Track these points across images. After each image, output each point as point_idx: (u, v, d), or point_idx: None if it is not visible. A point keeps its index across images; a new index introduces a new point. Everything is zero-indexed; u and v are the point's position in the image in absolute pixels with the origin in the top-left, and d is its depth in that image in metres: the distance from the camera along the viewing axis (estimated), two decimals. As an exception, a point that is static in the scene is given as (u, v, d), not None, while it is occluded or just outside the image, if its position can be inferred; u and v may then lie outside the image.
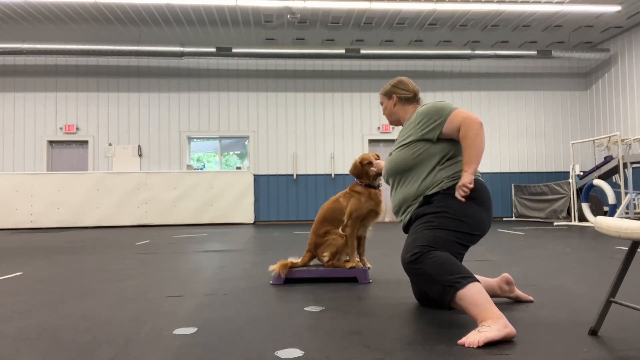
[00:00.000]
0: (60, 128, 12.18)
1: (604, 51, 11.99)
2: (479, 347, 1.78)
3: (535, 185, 11.56)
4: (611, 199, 8.27)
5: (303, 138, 12.61)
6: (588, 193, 8.87)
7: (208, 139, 13.03)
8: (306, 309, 2.49)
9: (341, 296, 2.79)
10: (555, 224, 9.72)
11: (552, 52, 11.88)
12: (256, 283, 3.28)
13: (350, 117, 12.70)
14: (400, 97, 2.63)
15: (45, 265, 4.40)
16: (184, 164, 12.35)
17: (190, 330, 2.12)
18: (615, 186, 9.92)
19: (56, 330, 2.15)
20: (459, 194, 2.24)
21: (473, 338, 1.82)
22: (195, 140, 12.98)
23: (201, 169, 13.32)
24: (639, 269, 3.49)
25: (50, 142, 12.24)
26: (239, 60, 11.92)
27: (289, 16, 10.00)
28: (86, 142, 12.28)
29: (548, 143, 13.11)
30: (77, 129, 12.22)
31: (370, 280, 3.25)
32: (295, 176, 12.44)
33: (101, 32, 11.21)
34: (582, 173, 10.41)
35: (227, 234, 8.33)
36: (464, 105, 12.91)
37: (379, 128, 12.70)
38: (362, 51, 11.55)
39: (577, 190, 9.72)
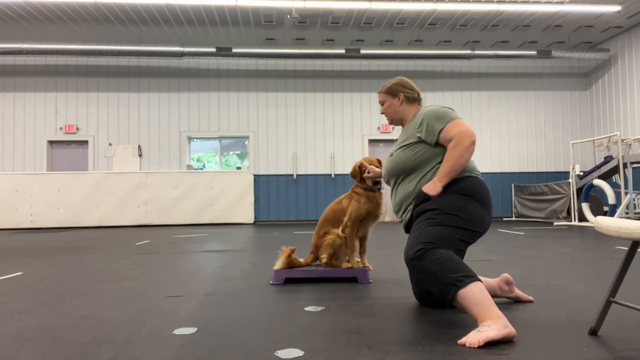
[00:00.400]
0: (60, 128, 12.18)
1: (604, 51, 12.00)
2: (479, 347, 1.78)
3: (535, 185, 11.56)
4: (611, 199, 8.26)
5: (303, 138, 12.61)
6: (588, 193, 8.87)
7: (208, 139, 13.03)
8: (306, 309, 2.49)
9: (341, 296, 2.79)
10: (555, 224, 9.72)
11: (552, 52, 11.88)
12: (256, 283, 3.28)
13: (350, 117, 12.70)
14: (407, 97, 2.63)
15: (45, 265, 4.40)
16: (184, 164, 12.35)
17: (190, 330, 2.12)
18: (615, 186, 9.92)
19: (56, 330, 2.15)
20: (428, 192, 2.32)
21: (473, 338, 1.82)
22: (195, 140, 12.98)
23: (201, 169, 13.32)
24: (639, 269, 3.49)
25: (50, 142, 12.24)
26: (239, 60, 11.92)
27: (288, 16, 10.00)
28: (86, 142, 12.28)
29: (548, 143, 13.11)
30: (77, 129, 12.22)
31: (370, 281, 3.25)
32: (295, 176, 12.44)
33: (101, 32, 11.21)
34: (582, 173, 10.40)
35: (227, 234, 8.33)
36: (464, 105, 12.91)
37: (379, 128, 12.70)
38: (362, 51, 11.55)
39: (577, 190, 9.72)
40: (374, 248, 5.29)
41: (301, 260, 3.36)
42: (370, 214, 3.18)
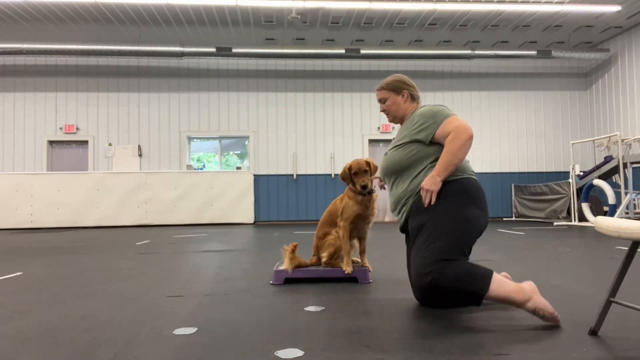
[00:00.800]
0: (60, 128, 12.18)
1: (604, 51, 12.00)
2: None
3: (535, 185, 11.56)
4: (611, 199, 8.26)
5: (303, 138, 12.61)
6: (588, 193, 8.87)
7: (208, 139, 13.03)
8: (306, 309, 2.49)
9: (341, 296, 2.79)
10: (555, 224, 9.72)
11: (552, 52, 11.88)
12: (256, 283, 3.28)
13: (350, 117, 12.70)
14: (411, 94, 2.61)
15: (45, 265, 4.40)
16: (184, 164, 12.35)
17: (191, 330, 2.12)
18: (615, 186, 9.91)
19: (56, 330, 2.15)
20: (425, 201, 2.31)
21: (553, 314, 2.04)
22: (195, 140, 12.98)
23: (201, 169, 13.32)
24: (639, 269, 3.49)
25: (50, 142, 12.24)
26: (239, 60, 11.92)
27: (289, 17, 9.99)
28: (86, 142, 12.28)
29: (548, 143, 13.11)
30: (77, 129, 12.22)
31: (370, 281, 3.25)
32: (295, 176, 12.44)
33: (101, 32, 11.21)
34: (582, 173, 10.40)
35: (227, 234, 8.33)
36: (464, 105, 12.91)
37: (379, 128, 12.70)
38: (362, 51, 11.55)
39: (577, 190, 9.72)
40: (374, 248, 5.29)
41: (307, 260, 3.37)
42: (359, 216, 3.16)
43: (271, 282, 3.27)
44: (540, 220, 11.03)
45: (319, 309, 2.49)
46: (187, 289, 3.09)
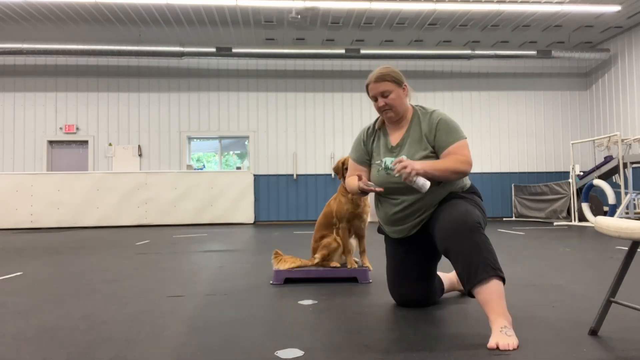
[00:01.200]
0: (60, 128, 12.18)
1: (604, 51, 11.99)
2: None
3: (535, 185, 11.55)
4: (611, 199, 8.26)
5: (303, 138, 12.61)
6: (588, 193, 8.86)
7: (208, 139, 13.03)
8: (306, 308, 2.49)
9: (341, 296, 2.79)
10: (555, 224, 9.72)
11: (552, 52, 11.88)
12: (256, 283, 3.29)
13: (350, 117, 12.70)
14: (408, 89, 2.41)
15: (45, 265, 4.40)
16: (184, 164, 12.35)
17: (191, 330, 2.12)
18: (615, 186, 9.91)
19: (56, 330, 2.15)
20: (398, 166, 2.09)
21: (505, 341, 1.76)
22: (195, 140, 12.98)
23: (201, 169, 13.32)
24: (639, 269, 3.49)
25: (50, 142, 12.24)
26: (239, 60, 11.91)
27: (290, 17, 9.99)
28: (86, 142, 12.28)
29: (548, 143, 13.11)
30: (77, 129, 12.22)
31: (370, 281, 3.25)
32: (295, 176, 12.44)
33: (101, 32, 11.21)
34: (582, 173, 10.40)
35: (227, 234, 8.33)
36: (464, 105, 12.91)
37: (379, 128, 12.68)
38: (362, 51, 11.55)
39: (577, 190, 9.72)
40: (374, 248, 5.29)
41: (307, 261, 3.37)
42: (353, 214, 3.18)
43: (271, 282, 3.27)
44: (540, 220, 11.03)
45: (319, 309, 2.49)
46: (187, 289, 3.09)
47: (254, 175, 12.02)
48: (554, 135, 13.13)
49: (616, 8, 9.91)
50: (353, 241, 3.34)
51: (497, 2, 9.79)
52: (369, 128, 2.53)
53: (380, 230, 2.58)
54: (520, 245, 5.51)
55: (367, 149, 2.48)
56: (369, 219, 3.31)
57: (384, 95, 2.33)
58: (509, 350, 1.74)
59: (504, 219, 12.44)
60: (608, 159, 9.76)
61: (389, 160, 2.32)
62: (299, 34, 11.61)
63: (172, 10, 10.10)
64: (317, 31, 11.46)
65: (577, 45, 12.48)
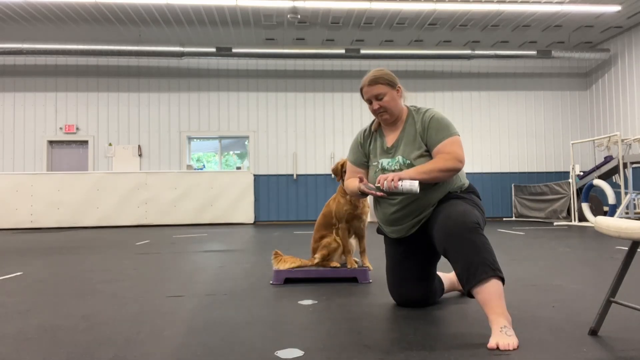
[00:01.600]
0: (60, 128, 12.18)
1: (604, 51, 12.00)
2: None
3: (535, 185, 11.55)
4: (611, 199, 8.26)
5: (303, 138, 12.61)
6: (588, 193, 8.86)
7: (208, 139, 13.03)
8: (306, 308, 2.49)
9: (341, 296, 2.79)
10: (555, 224, 9.72)
11: (552, 52, 11.88)
12: (256, 283, 3.29)
13: (350, 117, 12.70)
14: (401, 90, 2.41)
15: (45, 265, 4.40)
16: (184, 164, 12.35)
17: (191, 330, 2.12)
18: (615, 186, 9.91)
19: (56, 330, 2.15)
20: (383, 183, 2.11)
21: (505, 341, 1.76)
22: (195, 140, 12.98)
23: (201, 169, 13.32)
24: (639, 269, 3.49)
25: (50, 142, 12.24)
26: (239, 60, 11.91)
27: (289, 16, 9.99)
28: (86, 142, 12.28)
29: (548, 143, 13.11)
30: (77, 129, 12.22)
31: (371, 280, 3.25)
32: (295, 176, 12.44)
33: (101, 32, 11.21)
34: (582, 173, 10.40)
35: (227, 234, 8.33)
36: (464, 105, 12.91)
37: (379, 128, 12.68)
38: (362, 51, 11.55)
39: (577, 190, 9.72)
40: (374, 248, 5.28)
41: (307, 261, 3.38)
42: (352, 215, 3.18)
43: (271, 282, 3.27)
44: (540, 220, 11.03)
45: (319, 309, 2.49)
46: (187, 289, 3.09)
47: (254, 175, 12.02)
48: (554, 135, 13.13)
49: (616, 8, 9.91)
50: (353, 241, 3.35)
51: (497, 2, 9.79)
52: (365, 130, 2.57)
53: (379, 231, 2.59)
54: (520, 245, 5.51)
55: (364, 151, 2.52)
56: (368, 219, 3.32)
57: (378, 98, 2.36)
58: (509, 350, 1.74)
59: (504, 219, 12.45)
60: (608, 159, 9.76)
61: (385, 162, 2.37)
62: (299, 34, 11.61)
63: (172, 10, 10.10)
64: (317, 31, 11.46)
65: (577, 45, 12.48)
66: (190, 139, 12.74)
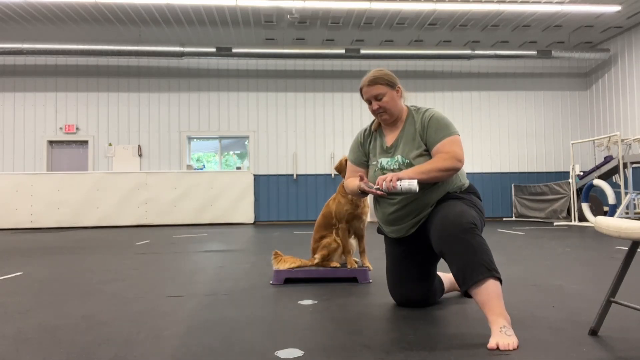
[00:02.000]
0: (60, 128, 12.18)
1: (604, 51, 11.99)
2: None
3: (535, 185, 11.55)
4: (611, 199, 8.25)
5: (303, 138, 12.61)
6: (588, 193, 8.86)
7: (208, 139, 13.03)
8: (306, 309, 2.49)
9: (341, 296, 2.79)
10: (555, 224, 9.72)
11: (552, 52, 11.88)
12: (256, 283, 3.29)
13: (350, 117, 12.70)
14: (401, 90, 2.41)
15: (45, 265, 4.40)
16: (184, 164, 12.35)
17: (191, 330, 2.12)
18: (615, 186, 9.91)
19: (56, 330, 2.15)
20: (382, 184, 2.13)
21: (505, 341, 1.76)
22: (195, 140, 12.98)
23: (201, 169, 13.32)
24: (639, 269, 3.49)
25: (50, 142, 12.24)
26: (239, 60, 11.91)
27: (288, 16, 9.99)
28: (86, 142, 12.28)
29: (548, 143, 13.11)
30: (77, 129, 12.22)
31: (370, 280, 3.25)
32: (295, 176, 12.44)
33: (101, 32, 11.21)
34: (582, 173, 10.40)
35: (227, 234, 8.33)
36: (464, 105, 12.91)
37: (379, 128, 12.68)
38: (362, 51, 11.55)
39: (577, 190, 9.72)
40: (374, 248, 5.28)
41: (307, 261, 3.38)
42: (352, 215, 3.18)
43: (271, 282, 3.27)
44: (540, 220, 11.03)
45: (319, 309, 2.49)
46: (187, 289, 3.09)
47: (254, 175, 12.02)
48: (554, 135, 13.13)
49: (616, 8, 9.91)
50: (353, 241, 3.35)
51: (497, 2, 9.79)
52: (365, 130, 2.58)
53: (379, 231, 2.59)
54: (520, 246, 5.51)
55: (364, 151, 2.53)
56: (368, 219, 3.32)
57: (377, 98, 2.35)
58: (509, 350, 1.74)
59: (504, 219, 12.45)
60: (608, 159, 9.76)
61: (384, 161, 2.38)
62: (299, 34, 11.61)
63: (172, 10, 10.10)
64: (317, 31, 11.46)
65: (577, 45, 12.48)
66: (190, 139, 12.74)
